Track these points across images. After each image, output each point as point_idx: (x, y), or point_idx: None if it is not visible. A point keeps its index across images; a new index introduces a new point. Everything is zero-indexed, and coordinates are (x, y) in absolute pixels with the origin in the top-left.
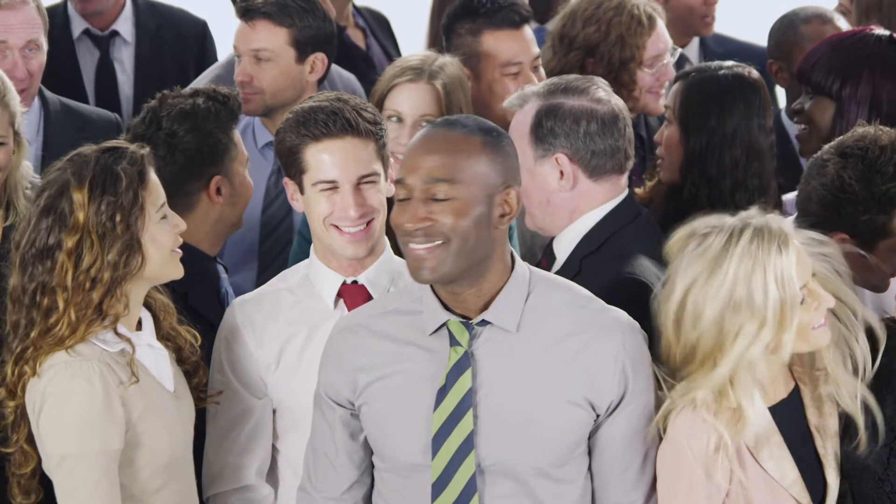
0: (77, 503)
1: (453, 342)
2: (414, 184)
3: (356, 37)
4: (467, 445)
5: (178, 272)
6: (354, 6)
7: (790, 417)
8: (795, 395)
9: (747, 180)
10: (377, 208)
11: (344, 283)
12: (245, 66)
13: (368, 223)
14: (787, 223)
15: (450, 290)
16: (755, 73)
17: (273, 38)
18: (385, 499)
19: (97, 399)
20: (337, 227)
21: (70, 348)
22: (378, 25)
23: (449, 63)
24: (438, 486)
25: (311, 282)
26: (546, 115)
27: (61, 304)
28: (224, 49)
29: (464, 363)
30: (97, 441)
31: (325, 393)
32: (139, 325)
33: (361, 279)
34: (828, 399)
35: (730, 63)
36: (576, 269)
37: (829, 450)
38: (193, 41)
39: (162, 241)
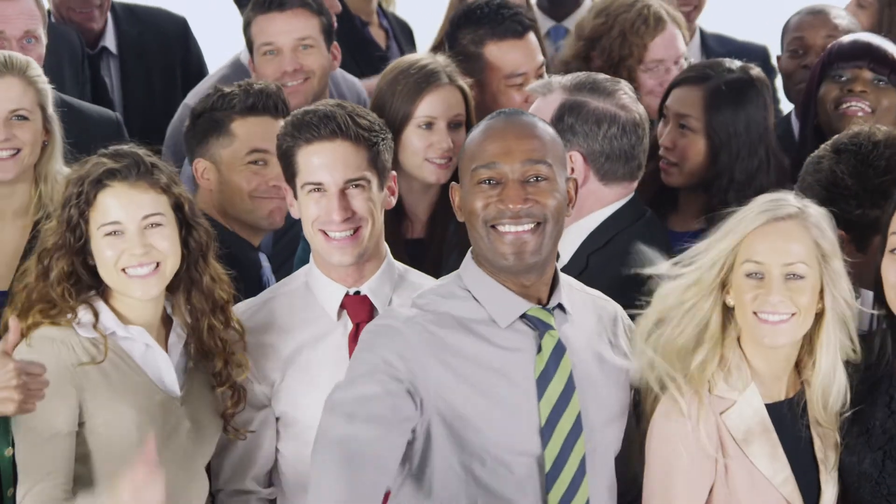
0: (23, 471)
1: (544, 328)
2: (510, 167)
3: (378, 36)
4: (577, 428)
5: (142, 292)
6: (381, 9)
7: (791, 418)
8: (801, 397)
9: (768, 178)
10: (364, 216)
11: (347, 295)
12: (289, 57)
13: (356, 231)
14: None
15: (521, 282)
16: (760, 70)
17: (312, 25)
18: None
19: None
20: (324, 232)
21: (36, 327)
22: (402, 32)
23: (451, 62)
24: (552, 475)
25: (311, 290)
26: (570, 110)
27: (24, 294)
28: (205, 48)
29: (561, 346)
30: (40, 415)
31: (407, 378)
32: (168, 326)
33: (364, 290)
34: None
35: (733, 62)
36: (582, 266)
37: (828, 456)
38: (176, 40)
39: (106, 258)
